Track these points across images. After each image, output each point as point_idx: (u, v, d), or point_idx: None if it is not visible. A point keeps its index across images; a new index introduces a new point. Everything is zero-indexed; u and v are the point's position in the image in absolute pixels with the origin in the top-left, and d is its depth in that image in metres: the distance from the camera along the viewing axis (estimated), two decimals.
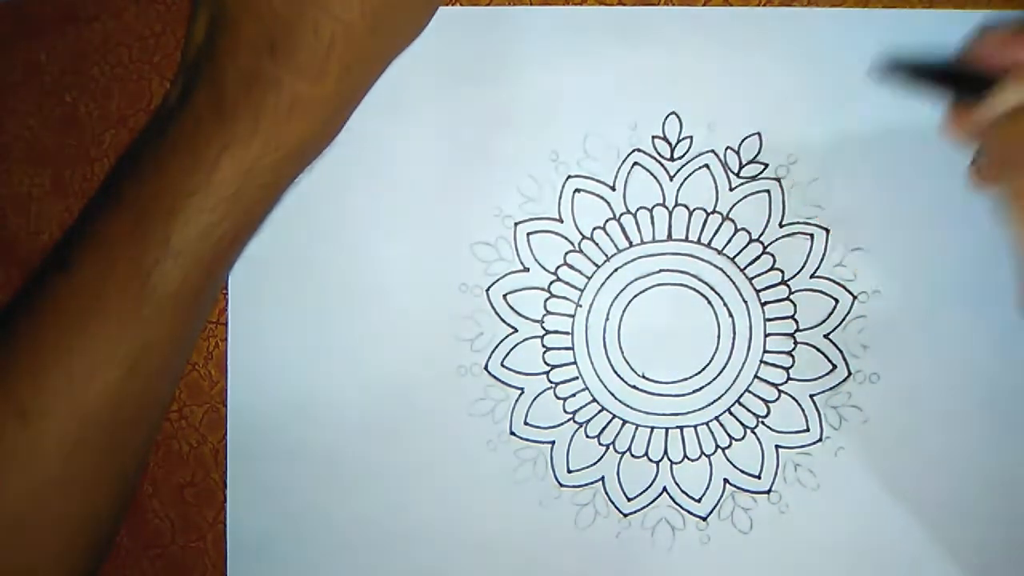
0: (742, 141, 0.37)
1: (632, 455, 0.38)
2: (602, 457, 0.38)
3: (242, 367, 0.39)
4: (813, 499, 0.37)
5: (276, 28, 0.31)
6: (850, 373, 0.37)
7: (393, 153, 0.38)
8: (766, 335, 0.37)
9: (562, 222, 0.38)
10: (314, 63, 0.31)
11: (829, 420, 0.37)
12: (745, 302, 0.37)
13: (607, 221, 0.38)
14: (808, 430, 0.37)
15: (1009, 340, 0.36)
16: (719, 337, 0.38)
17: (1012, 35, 0.28)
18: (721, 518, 0.38)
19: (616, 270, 0.38)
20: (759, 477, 0.38)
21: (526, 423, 0.38)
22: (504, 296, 0.38)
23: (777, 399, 0.38)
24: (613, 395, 0.38)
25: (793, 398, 0.37)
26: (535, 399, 0.38)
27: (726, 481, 0.38)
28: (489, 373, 0.38)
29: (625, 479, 0.38)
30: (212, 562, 0.39)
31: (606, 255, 0.38)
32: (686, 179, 0.37)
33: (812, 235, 0.37)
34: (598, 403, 0.38)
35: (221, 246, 0.32)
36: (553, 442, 0.38)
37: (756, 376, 0.38)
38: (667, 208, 0.38)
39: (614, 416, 0.38)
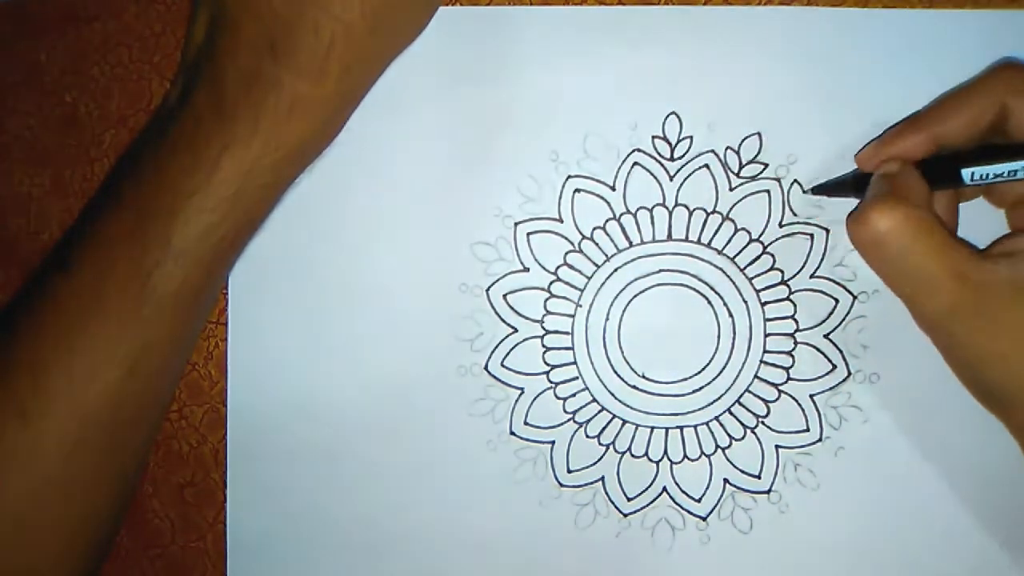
0: (742, 141, 0.37)
1: (632, 455, 0.38)
2: (602, 457, 0.38)
3: (242, 367, 0.39)
4: (813, 499, 0.37)
5: (276, 28, 0.31)
6: (850, 373, 0.37)
7: (393, 153, 0.38)
8: (766, 335, 0.38)
9: (562, 222, 0.38)
10: (314, 63, 0.31)
11: (829, 420, 0.37)
12: (745, 302, 0.37)
13: (607, 221, 0.38)
14: (808, 430, 0.37)
15: None
16: (719, 337, 0.38)
17: (875, 145, 0.34)
18: (721, 518, 0.38)
19: (616, 270, 0.38)
20: (759, 477, 0.38)
21: (526, 423, 0.38)
22: (504, 296, 0.38)
23: (777, 399, 0.38)
24: (613, 395, 0.38)
25: (793, 398, 0.37)
26: (535, 399, 0.38)
27: (726, 481, 0.38)
28: (489, 373, 0.38)
29: (625, 479, 0.38)
30: (212, 562, 0.39)
31: (606, 255, 0.38)
32: (686, 179, 0.37)
33: (812, 235, 0.37)
34: (598, 403, 0.38)
35: (221, 246, 0.32)
36: (553, 442, 0.38)
37: (756, 376, 0.38)
38: (667, 208, 0.38)
39: (614, 416, 0.38)
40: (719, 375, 0.38)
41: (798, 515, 0.37)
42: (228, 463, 0.39)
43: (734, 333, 0.38)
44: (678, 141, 0.37)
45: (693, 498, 0.38)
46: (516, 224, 0.38)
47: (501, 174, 0.38)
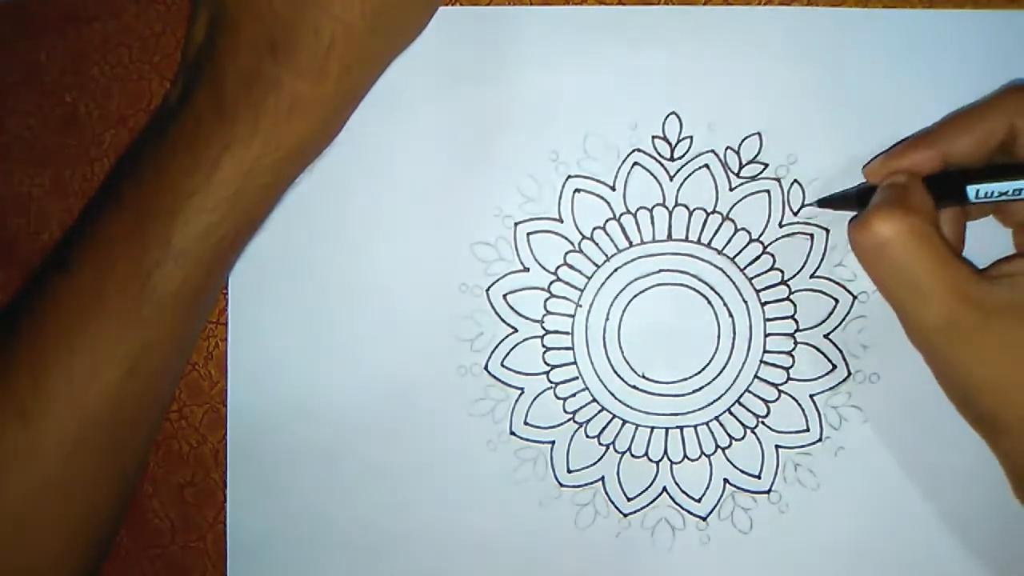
0: (742, 141, 0.37)
1: (632, 455, 0.38)
2: (602, 457, 0.38)
3: (242, 367, 0.39)
4: (813, 499, 0.37)
5: (276, 28, 0.31)
6: (850, 373, 0.37)
7: (393, 153, 0.38)
8: (766, 335, 0.38)
9: (562, 222, 0.38)
10: (314, 63, 0.31)
11: (829, 420, 0.37)
12: (745, 302, 0.37)
13: (607, 221, 0.38)
14: (808, 430, 0.37)
15: None
16: (719, 337, 0.38)
17: (883, 158, 0.34)
18: (721, 518, 0.38)
19: (616, 270, 0.38)
20: (759, 477, 0.38)
21: (526, 423, 0.38)
22: (504, 296, 0.38)
23: (777, 399, 0.38)
24: (613, 395, 0.38)
25: (793, 398, 0.37)
26: (535, 399, 0.38)
27: (726, 481, 0.38)
28: (489, 373, 0.38)
29: (625, 479, 0.38)
30: (212, 562, 0.39)
31: (606, 255, 0.38)
32: (686, 179, 0.37)
33: (812, 235, 0.37)
34: (598, 403, 0.38)
35: (221, 246, 0.32)
36: (553, 442, 0.38)
37: (756, 376, 0.38)
38: (667, 208, 0.38)
39: (614, 416, 0.38)
40: (719, 375, 0.38)
41: (798, 515, 0.37)
42: (228, 463, 0.39)
43: (734, 333, 0.38)
44: (678, 141, 0.37)
45: (693, 498, 0.38)
46: (516, 224, 0.38)
47: (501, 174, 0.38)
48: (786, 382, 0.38)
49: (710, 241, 0.37)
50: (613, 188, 0.38)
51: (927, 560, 0.37)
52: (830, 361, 0.37)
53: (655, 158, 0.37)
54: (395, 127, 0.38)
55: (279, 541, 0.39)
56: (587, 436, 0.38)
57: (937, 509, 0.37)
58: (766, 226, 0.37)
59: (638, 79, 0.37)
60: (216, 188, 0.31)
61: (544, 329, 0.38)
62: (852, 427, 0.37)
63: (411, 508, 0.38)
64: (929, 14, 0.37)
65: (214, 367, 0.39)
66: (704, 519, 0.38)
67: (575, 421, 0.38)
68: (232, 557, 0.39)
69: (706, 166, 0.37)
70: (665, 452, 0.38)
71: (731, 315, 0.38)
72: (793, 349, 0.37)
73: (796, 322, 0.37)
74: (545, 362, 0.38)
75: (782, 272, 0.37)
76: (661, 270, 0.38)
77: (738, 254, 0.37)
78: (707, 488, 0.38)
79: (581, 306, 0.38)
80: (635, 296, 0.38)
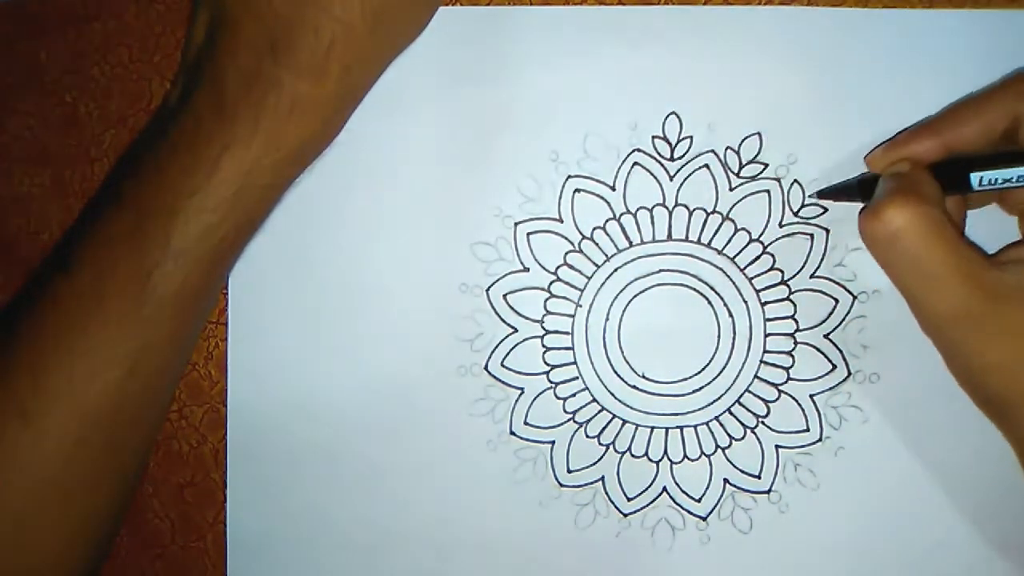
0: (742, 141, 0.37)
1: (632, 455, 0.38)
2: (602, 457, 0.38)
3: (242, 367, 0.39)
4: (813, 499, 0.37)
5: (277, 28, 0.31)
6: (850, 373, 0.37)
7: (393, 153, 0.38)
8: (766, 335, 0.38)
9: (562, 222, 0.38)
10: (314, 63, 0.31)
11: (829, 420, 0.37)
12: (745, 302, 0.37)
13: (607, 221, 0.38)
14: (808, 430, 0.37)
15: None
16: (719, 337, 0.38)
17: (885, 147, 0.34)
18: (721, 518, 0.38)
19: (616, 270, 0.38)
20: (759, 477, 0.38)
21: (526, 423, 0.38)
22: (504, 296, 0.38)
23: (777, 399, 0.38)
24: (613, 395, 0.38)
25: (793, 398, 0.37)
26: (535, 399, 0.38)
27: (726, 481, 0.38)
28: (489, 373, 0.38)
29: (625, 479, 0.38)
30: (212, 562, 0.39)
31: (606, 255, 0.38)
32: (686, 179, 0.37)
33: (812, 235, 0.37)
34: (598, 403, 0.38)
35: (222, 247, 0.32)
36: (553, 442, 0.38)
37: (756, 376, 0.38)
38: (667, 208, 0.38)
39: (614, 416, 0.38)
40: (719, 375, 0.38)
41: (798, 515, 0.37)
42: (228, 463, 0.39)
43: (734, 333, 0.38)
44: (678, 141, 0.37)
45: (693, 498, 0.38)
46: (516, 224, 0.38)
47: (501, 174, 0.38)
48: (786, 382, 0.38)
49: (710, 241, 0.37)
50: (613, 188, 0.38)
51: (927, 560, 0.37)
52: (830, 361, 0.37)
53: (655, 158, 0.37)
54: (395, 127, 0.38)
55: (279, 541, 0.39)
56: (587, 436, 0.38)
57: (937, 509, 0.37)
58: (766, 226, 0.37)
59: (638, 79, 0.37)
60: (216, 188, 0.31)
61: (544, 329, 0.38)
62: (852, 427, 0.37)
63: (411, 508, 0.38)
64: (929, 14, 0.37)
65: (214, 367, 0.39)
66: (704, 519, 0.38)
67: (575, 421, 0.38)
68: (232, 557, 0.39)
69: (706, 166, 0.37)
70: (665, 452, 0.38)
71: (731, 315, 0.38)
72: (793, 349, 0.37)
73: (796, 322, 0.37)
74: (545, 362, 0.38)
75: (782, 272, 0.37)
76: (661, 270, 0.38)
77: (738, 254, 0.37)
78: (707, 488, 0.38)
79: (581, 306, 0.38)
80: (635, 296, 0.38)
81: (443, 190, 0.38)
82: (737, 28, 0.37)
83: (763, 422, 0.38)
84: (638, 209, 0.38)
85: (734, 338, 0.38)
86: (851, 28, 0.37)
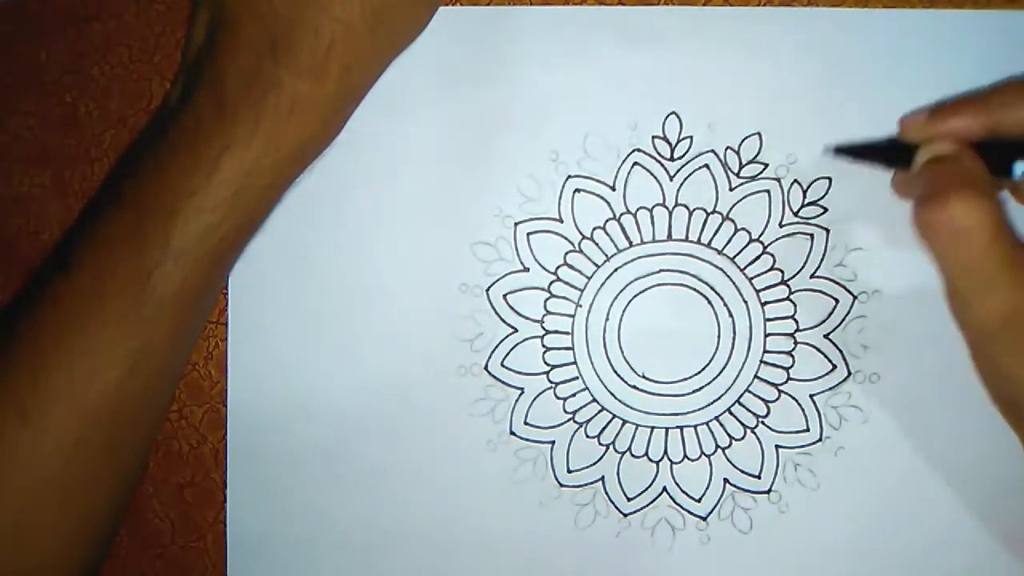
0: (742, 141, 0.37)
1: (632, 455, 0.38)
2: (602, 457, 0.38)
3: (242, 367, 0.39)
4: (813, 499, 0.37)
5: (277, 28, 0.31)
6: (850, 373, 0.37)
7: (393, 153, 0.38)
8: (766, 335, 0.38)
9: (562, 222, 0.38)
10: (314, 63, 0.31)
11: (829, 420, 0.37)
12: (745, 302, 0.37)
13: (607, 221, 0.38)
14: (808, 430, 0.37)
15: None
16: (719, 337, 0.38)
17: (927, 115, 0.31)
18: (721, 518, 0.38)
19: (616, 270, 0.38)
20: (759, 477, 0.38)
21: (526, 423, 0.38)
22: (504, 296, 0.38)
23: (777, 399, 0.38)
24: (613, 395, 0.38)
25: (793, 398, 0.37)
26: (535, 399, 0.38)
27: (726, 481, 0.38)
28: (489, 373, 0.38)
29: (625, 479, 0.38)
30: (212, 562, 0.39)
31: (606, 255, 0.38)
32: (686, 179, 0.37)
33: (812, 235, 0.37)
34: (598, 403, 0.38)
35: (222, 247, 0.32)
36: (553, 442, 0.38)
37: (756, 376, 0.38)
38: (667, 208, 0.38)
39: (614, 416, 0.38)
40: (719, 375, 0.38)
41: (798, 515, 0.37)
42: (228, 463, 0.39)
43: (734, 333, 0.38)
44: (678, 141, 0.37)
45: (693, 498, 0.38)
46: (516, 224, 0.38)
47: (501, 174, 0.38)
48: (786, 382, 0.38)
49: (710, 241, 0.37)
50: (613, 188, 0.38)
51: (927, 560, 0.37)
52: (830, 361, 0.37)
53: (655, 158, 0.37)
54: (395, 127, 0.38)
55: (279, 541, 0.39)
56: (587, 436, 0.38)
57: (937, 509, 0.37)
58: (766, 226, 0.37)
59: (638, 79, 0.37)
60: (216, 188, 0.31)
61: (544, 329, 0.38)
62: (852, 427, 0.37)
63: (411, 508, 0.38)
64: (929, 14, 0.37)
65: (214, 367, 0.39)
66: (704, 519, 0.38)
67: (575, 421, 0.38)
68: (232, 557, 0.39)
69: (706, 166, 0.37)
70: (665, 452, 0.38)
71: (731, 315, 0.38)
72: (793, 349, 0.37)
73: (796, 322, 0.37)
74: (545, 362, 0.38)
75: (782, 272, 0.37)
76: (661, 270, 0.38)
77: (738, 254, 0.37)
78: (707, 488, 0.38)
79: (581, 306, 0.38)
80: (635, 296, 0.38)
81: (443, 190, 0.38)
82: (737, 28, 0.37)
83: (763, 422, 0.38)
84: (638, 209, 0.38)
85: (734, 338, 0.38)
86: (851, 28, 0.37)
